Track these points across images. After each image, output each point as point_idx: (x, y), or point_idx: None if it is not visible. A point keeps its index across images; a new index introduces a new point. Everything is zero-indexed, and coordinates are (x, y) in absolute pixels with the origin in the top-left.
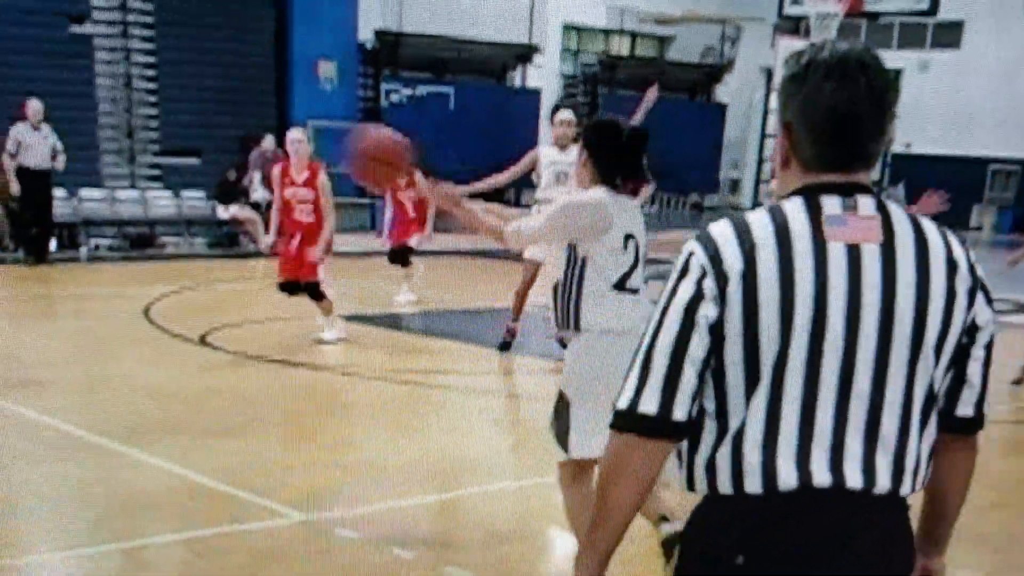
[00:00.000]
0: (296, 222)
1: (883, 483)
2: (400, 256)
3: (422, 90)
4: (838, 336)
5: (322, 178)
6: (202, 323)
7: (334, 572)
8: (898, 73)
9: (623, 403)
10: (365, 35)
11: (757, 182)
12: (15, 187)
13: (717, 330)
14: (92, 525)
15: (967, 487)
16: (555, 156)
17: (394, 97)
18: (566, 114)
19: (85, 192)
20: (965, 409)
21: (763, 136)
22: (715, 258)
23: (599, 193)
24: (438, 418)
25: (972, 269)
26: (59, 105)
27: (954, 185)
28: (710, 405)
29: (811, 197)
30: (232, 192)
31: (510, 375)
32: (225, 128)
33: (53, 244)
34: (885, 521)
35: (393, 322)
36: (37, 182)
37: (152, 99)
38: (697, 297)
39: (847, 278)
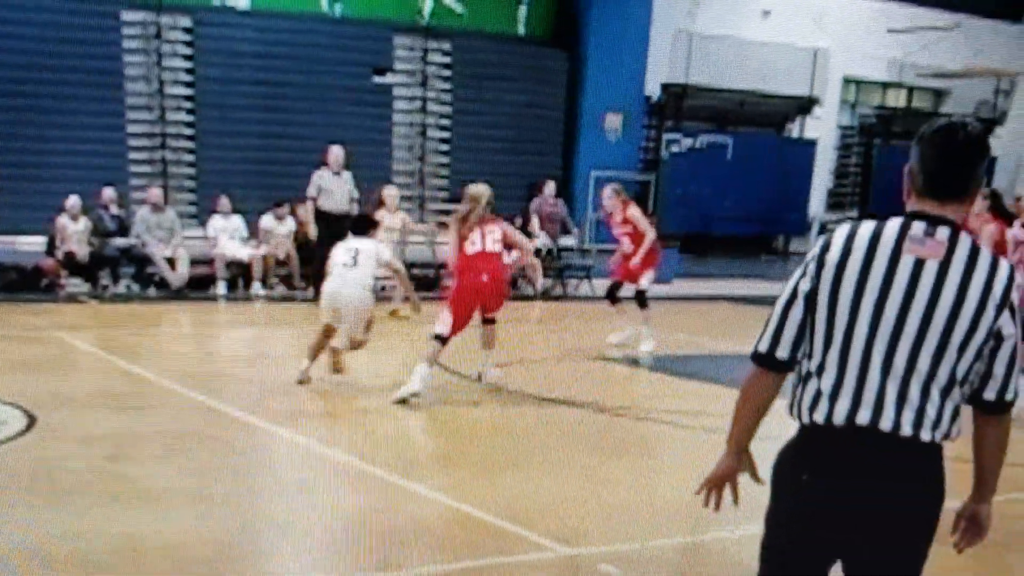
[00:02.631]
0: None
1: (906, 429)
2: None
3: (702, 141)
4: (889, 323)
5: None
6: (479, 361)
7: None
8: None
9: (755, 343)
10: (652, 87)
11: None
12: (312, 230)
13: (810, 298)
14: (366, 553)
15: (999, 452)
16: None
17: (674, 148)
18: None
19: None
20: (989, 394)
21: None
22: (825, 250)
23: None
24: (699, 459)
25: (1006, 294)
26: (357, 152)
27: None
28: (806, 353)
29: (908, 220)
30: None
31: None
32: (512, 176)
33: None
34: (906, 454)
35: (657, 365)
36: (334, 225)
37: (444, 148)
38: (803, 275)
39: (907, 282)
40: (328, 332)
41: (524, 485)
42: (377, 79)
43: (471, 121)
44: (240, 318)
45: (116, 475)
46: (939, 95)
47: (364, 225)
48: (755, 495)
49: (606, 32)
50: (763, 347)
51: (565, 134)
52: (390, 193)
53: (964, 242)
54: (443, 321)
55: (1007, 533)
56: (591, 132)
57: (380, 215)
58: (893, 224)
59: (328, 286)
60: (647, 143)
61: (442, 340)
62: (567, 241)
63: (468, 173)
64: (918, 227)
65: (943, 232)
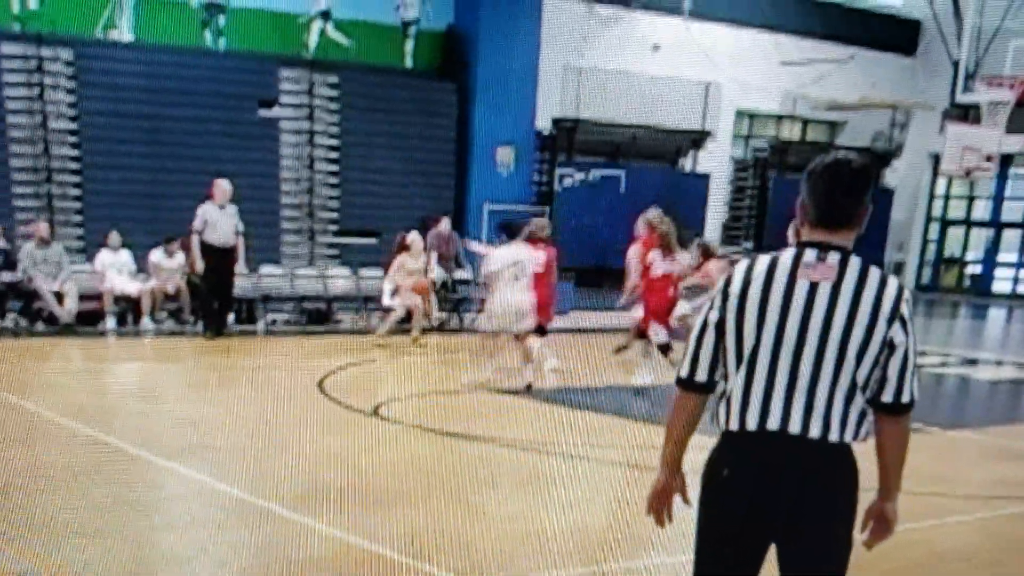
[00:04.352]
0: None
1: (814, 432)
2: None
3: (595, 174)
4: (792, 339)
5: None
6: (375, 396)
7: None
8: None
9: (677, 369)
10: (543, 121)
11: (921, 264)
12: (199, 264)
13: (719, 327)
14: None
15: (899, 451)
16: None
17: (567, 181)
18: None
19: (265, 269)
20: (887, 397)
21: (928, 220)
22: (727, 283)
23: None
24: (597, 491)
25: (895, 307)
26: (244, 185)
27: None
28: (723, 374)
29: (801, 249)
30: None
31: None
32: (404, 209)
33: (231, 318)
34: (815, 455)
35: (553, 397)
36: (220, 258)
37: (333, 180)
38: (712, 307)
39: (804, 304)
40: (497, 335)
41: (421, 519)
42: (263, 112)
43: (360, 154)
44: (130, 353)
45: (7, 510)
46: (834, 127)
47: (515, 230)
48: (654, 526)
49: (494, 66)
50: (684, 372)
51: (457, 167)
52: (413, 239)
53: (854, 264)
54: (659, 331)
55: (906, 561)
56: (483, 165)
57: (402, 259)
58: (788, 254)
59: (502, 299)
60: (540, 176)
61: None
62: (462, 274)
63: (358, 206)
64: (810, 254)
65: (834, 257)
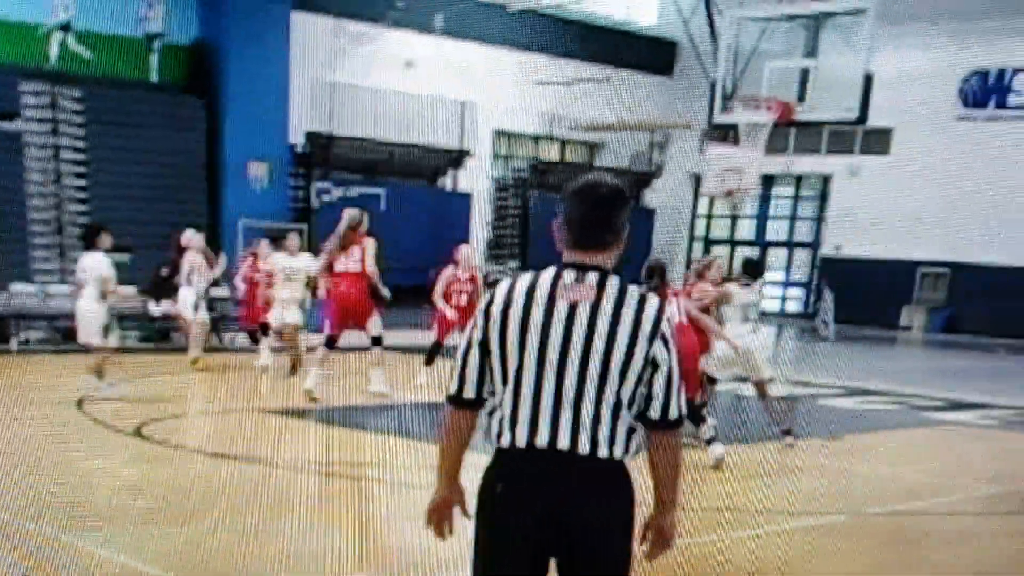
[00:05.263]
0: None
1: (582, 447)
2: None
3: (354, 191)
4: (554, 358)
5: None
6: (135, 415)
7: None
8: (826, 179)
9: (448, 386)
10: (297, 137)
11: (684, 284)
12: None
13: (484, 346)
14: None
15: (671, 466)
16: None
17: (325, 197)
18: None
19: (15, 287)
20: (653, 413)
21: (691, 240)
22: (490, 303)
23: None
24: (371, 510)
25: (656, 326)
26: None
27: (883, 286)
28: (492, 389)
29: (560, 270)
30: (164, 288)
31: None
32: (156, 225)
33: None
34: (586, 470)
35: (326, 416)
36: None
37: (82, 196)
38: (475, 325)
39: (564, 323)
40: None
41: (190, 538)
42: (3, 125)
43: (109, 169)
44: None
45: None
46: (593, 148)
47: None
48: (431, 543)
49: (243, 80)
50: (452, 389)
51: (209, 182)
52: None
53: (613, 284)
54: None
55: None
56: (236, 181)
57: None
58: (547, 274)
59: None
60: (296, 192)
61: None
62: (220, 292)
63: (109, 221)
64: (569, 275)
65: (592, 277)
